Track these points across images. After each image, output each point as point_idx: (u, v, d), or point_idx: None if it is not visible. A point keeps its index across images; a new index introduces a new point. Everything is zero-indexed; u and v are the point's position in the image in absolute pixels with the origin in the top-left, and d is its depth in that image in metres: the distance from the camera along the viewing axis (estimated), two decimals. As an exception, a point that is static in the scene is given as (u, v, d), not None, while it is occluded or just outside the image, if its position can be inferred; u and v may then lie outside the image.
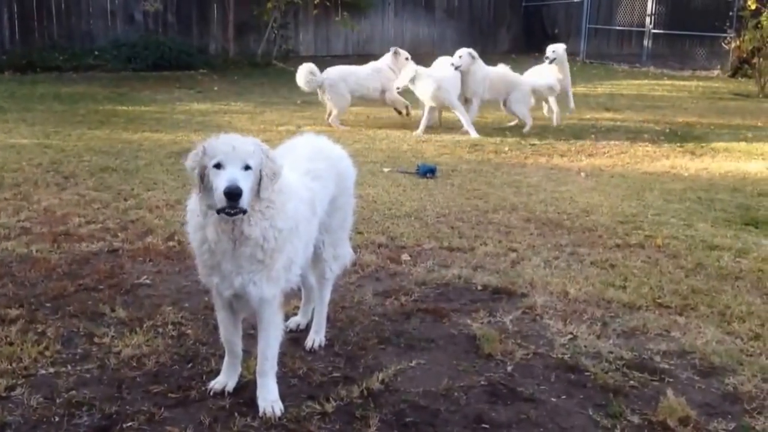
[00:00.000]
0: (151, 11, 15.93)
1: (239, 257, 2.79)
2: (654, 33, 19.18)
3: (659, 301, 4.10)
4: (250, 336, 3.36)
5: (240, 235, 2.74)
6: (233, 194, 2.58)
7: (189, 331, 3.62)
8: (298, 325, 3.75)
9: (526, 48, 21.09)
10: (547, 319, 3.86)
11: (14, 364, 3.22)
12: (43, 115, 9.62)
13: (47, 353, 3.33)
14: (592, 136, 9.41)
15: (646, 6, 19.18)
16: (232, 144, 2.69)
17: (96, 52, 15.05)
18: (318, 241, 3.40)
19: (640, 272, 4.54)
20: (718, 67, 17.64)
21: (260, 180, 2.71)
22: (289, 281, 3.05)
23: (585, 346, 3.55)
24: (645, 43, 19.26)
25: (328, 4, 17.23)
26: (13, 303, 3.81)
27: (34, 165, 6.85)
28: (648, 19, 19.14)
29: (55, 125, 8.92)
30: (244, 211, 2.65)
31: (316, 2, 16.90)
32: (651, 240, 5.16)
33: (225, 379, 3.12)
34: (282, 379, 3.16)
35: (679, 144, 9.01)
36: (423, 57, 18.79)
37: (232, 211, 2.63)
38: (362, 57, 18.17)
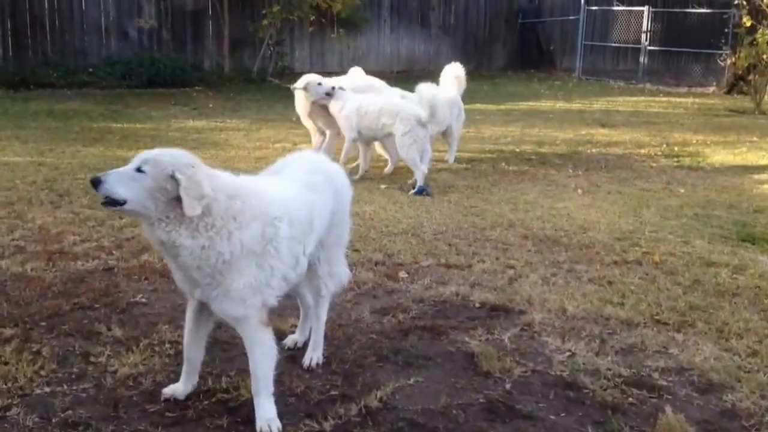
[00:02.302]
0: (146, 28, 15.99)
1: (183, 267, 2.83)
2: (650, 50, 19.33)
3: (657, 317, 4.10)
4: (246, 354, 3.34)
5: (159, 241, 2.78)
6: (92, 181, 2.72)
7: (185, 350, 3.58)
8: (296, 343, 3.73)
9: (522, 65, 21.26)
10: (545, 336, 3.85)
11: (9, 384, 3.19)
12: (36, 133, 9.59)
13: (43, 372, 3.30)
14: (589, 152, 9.45)
15: (642, 23, 19.35)
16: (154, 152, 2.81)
17: (90, 69, 15.06)
18: (314, 257, 3.38)
19: (638, 289, 4.54)
20: (714, 83, 17.78)
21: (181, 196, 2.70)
22: (265, 302, 2.98)
23: (583, 363, 3.54)
24: (641, 59, 19.41)
25: (323, 21, 17.34)
26: (7, 322, 3.78)
27: (28, 183, 6.82)
28: (644, 36, 19.30)
29: (49, 142, 8.90)
30: (120, 204, 2.71)
31: (311, 19, 16.99)
32: (648, 257, 5.17)
33: (178, 386, 3.15)
34: (279, 397, 3.14)
35: (675, 160, 9.05)
36: (419, 74, 19.03)
37: (103, 201, 2.75)
38: (358, 74, 18.32)
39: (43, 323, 3.81)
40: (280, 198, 3.04)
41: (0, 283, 4.35)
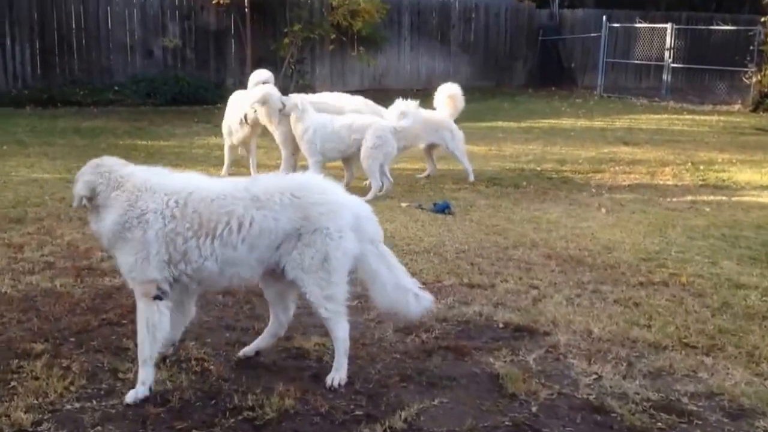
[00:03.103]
0: (170, 47, 16.25)
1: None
2: (673, 67, 19.22)
3: (685, 341, 4.04)
4: (271, 371, 3.36)
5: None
6: None
7: (212, 367, 3.61)
8: (245, 354, 3.75)
9: (543, 82, 21.26)
10: (571, 358, 3.82)
11: (40, 399, 3.23)
12: (64, 150, 9.76)
13: (72, 388, 3.34)
14: (612, 170, 9.40)
15: (665, 40, 19.27)
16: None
17: (116, 87, 15.32)
18: (293, 277, 3.43)
19: (665, 311, 4.49)
20: (739, 101, 17.60)
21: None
22: (146, 279, 3.35)
23: (610, 387, 3.50)
24: (664, 77, 19.29)
25: (344, 39, 17.49)
26: (38, 337, 3.84)
27: (56, 199, 6.93)
28: (667, 53, 19.20)
29: (77, 159, 9.00)
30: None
31: (332, 37, 17.15)
32: (675, 278, 5.11)
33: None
34: (304, 417, 3.16)
35: (700, 179, 8.97)
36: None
37: None
38: (378, 91, 18.42)
39: (73, 339, 3.86)
40: (176, 198, 3.38)
41: (30, 298, 4.42)
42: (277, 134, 7.92)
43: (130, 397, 3.28)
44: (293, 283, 3.49)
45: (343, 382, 3.49)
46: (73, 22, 15.62)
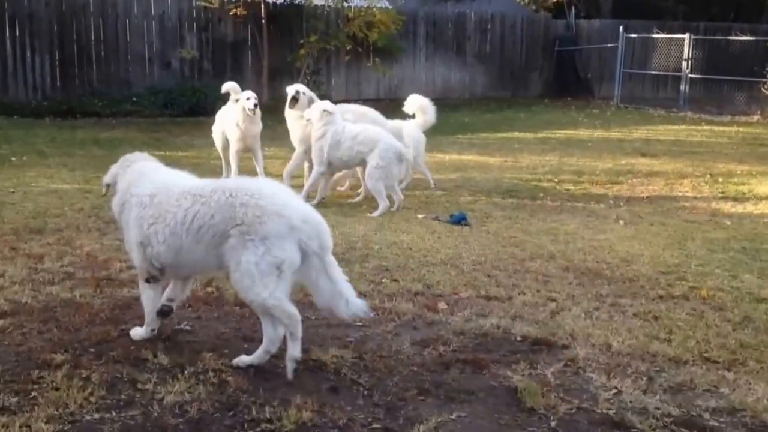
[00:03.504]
0: (188, 58, 16.40)
1: None
2: (691, 77, 19.10)
3: (706, 355, 4.00)
4: (289, 383, 3.35)
5: None
6: None
7: (230, 378, 3.61)
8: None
9: (559, 92, 21.21)
10: (590, 372, 3.78)
11: (60, 410, 3.25)
12: (83, 160, 9.87)
13: (92, 399, 3.35)
14: (630, 182, 9.34)
15: (683, 50, 19.17)
16: None
17: (134, 98, 15.47)
18: (231, 280, 3.71)
19: (686, 325, 4.44)
20: (758, 112, 17.42)
21: None
22: (137, 268, 4.00)
23: (630, 402, 3.46)
24: (682, 87, 19.16)
25: (360, 50, 17.58)
26: (58, 348, 3.86)
27: (76, 210, 7.00)
28: (685, 64, 19.09)
29: (96, 170, 9.10)
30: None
31: (348, 48, 17.25)
32: (695, 291, 5.06)
33: None
34: (322, 429, 3.17)
35: (720, 191, 8.89)
36: (455, 102, 19.13)
37: None
38: (393, 101, 18.47)
39: (92, 349, 3.88)
40: (153, 188, 3.86)
41: (50, 308, 4.45)
42: (297, 132, 8.02)
43: (137, 334, 3.99)
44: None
45: (243, 365, 3.71)
46: (92, 33, 15.82)
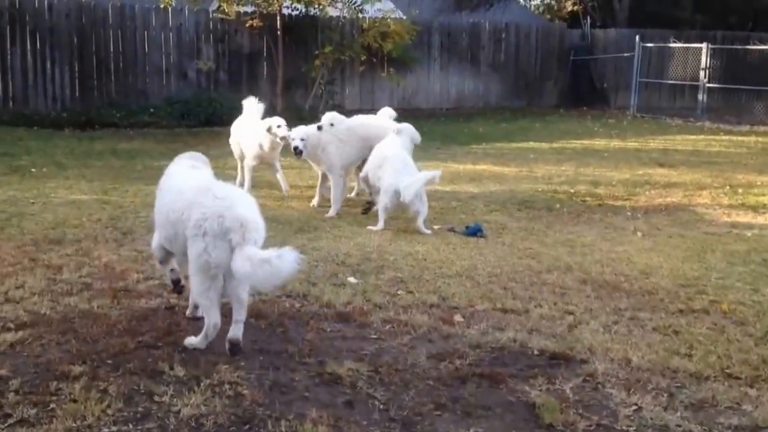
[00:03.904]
0: (204, 69, 16.53)
1: None
2: (709, 87, 18.96)
3: (728, 371, 3.94)
4: (304, 397, 3.33)
5: None
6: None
7: (245, 392, 3.61)
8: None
9: (574, 102, 21.13)
10: (609, 387, 3.74)
11: (78, 422, 3.26)
12: (101, 171, 9.95)
13: (109, 411, 3.36)
14: (647, 193, 9.26)
15: (700, 60, 19.03)
16: None
17: (151, 109, 15.60)
18: None
19: (706, 340, 4.38)
20: (778, 122, 17.28)
21: None
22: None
23: (651, 419, 3.41)
24: (699, 97, 19.02)
25: (374, 60, 17.64)
26: (76, 359, 3.87)
27: (93, 221, 7.05)
28: (702, 73, 18.96)
29: (113, 181, 9.21)
30: None
31: (362, 59, 17.30)
32: (716, 305, 4.99)
33: None
34: (339, 445, 3.14)
35: (739, 202, 8.76)
36: (469, 111, 19.11)
37: None
38: (408, 111, 18.48)
39: (110, 361, 3.89)
40: (170, 183, 4.51)
41: (69, 319, 4.47)
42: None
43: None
44: None
45: (192, 346, 4.06)
46: (111, 46, 16.00)
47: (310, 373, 3.84)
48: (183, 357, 3.98)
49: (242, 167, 8.81)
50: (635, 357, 4.08)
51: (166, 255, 4.56)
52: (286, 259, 3.68)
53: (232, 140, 8.95)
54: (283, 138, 8.04)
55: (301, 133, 7.77)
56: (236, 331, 4.04)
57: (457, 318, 4.70)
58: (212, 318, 4.04)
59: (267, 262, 3.68)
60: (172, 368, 3.81)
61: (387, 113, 8.81)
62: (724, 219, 7.88)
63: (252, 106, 8.83)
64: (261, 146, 8.28)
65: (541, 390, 3.70)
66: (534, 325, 4.59)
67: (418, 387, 3.73)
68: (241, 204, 4.02)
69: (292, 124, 8.15)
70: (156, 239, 4.56)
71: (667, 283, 5.50)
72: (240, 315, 4.07)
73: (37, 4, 15.41)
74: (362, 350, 4.15)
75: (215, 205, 3.93)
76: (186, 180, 4.42)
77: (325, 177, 8.02)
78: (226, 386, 3.65)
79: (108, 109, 15.31)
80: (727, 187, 9.60)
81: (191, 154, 4.99)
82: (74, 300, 4.80)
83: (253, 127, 8.50)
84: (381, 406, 3.50)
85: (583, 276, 5.66)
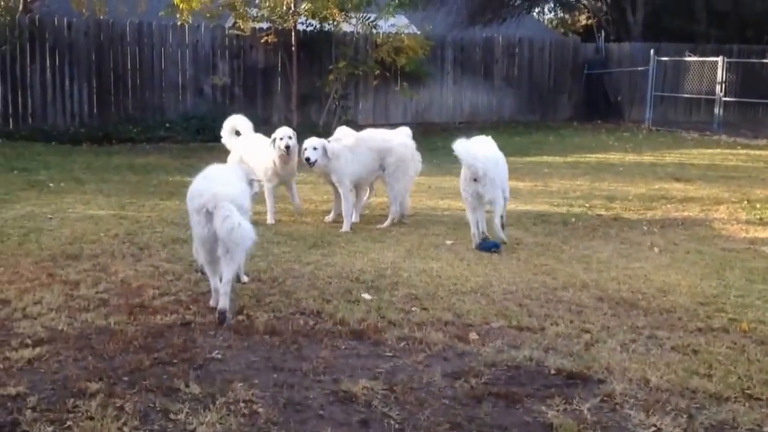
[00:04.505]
0: (220, 85, 16.67)
1: None
2: (725, 101, 18.84)
3: (749, 392, 3.87)
4: (319, 416, 3.32)
5: None
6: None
7: (260, 410, 3.60)
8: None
9: (588, 116, 21.08)
10: (628, 408, 3.69)
11: (94, 441, 3.27)
12: (118, 186, 10.03)
13: (126, 429, 3.37)
14: (664, 208, 9.19)
15: (716, 73, 18.94)
16: None
17: (167, 125, 15.74)
18: None
19: (726, 359, 4.32)
20: (796, 136, 17.11)
21: None
22: None
23: (670, 440, 3.37)
24: (716, 110, 18.89)
25: (388, 75, 17.70)
26: (92, 376, 3.89)
27: (111, 236, 7.10)
28: (718, 87, 18.84)
29: (130, 196, 9.29)
30: None
31: (376, 73, 17.38)
32: (736, 324, 4.92)
33: None
34: (354, 465, 3.12)
35: (757, 217, 8.64)
36: (482, 125, 19.09)
37: None
38: (421, 125, 18.51)
39: (126, 378, 3.90)
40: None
41: (86, 336, 4.50)
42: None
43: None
44: None
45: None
46: (129, 62, 16.16)
47: (325, 391, 3.83)
48: (198, 374, 3.99)
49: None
50: (654, 377, 4.03)
51: None
52: (244, 227, 4.73)
53: (231, 159, 8.23)
54: (288, 148, 7.83)
55: (314, 142, 7.78)
56: (223, 303, 4.81)
57: (473, 335, 4.67)
58: (212, 282, 5.07)
59: (228, 218, 4.66)
60: (187, 386, 3.82)
61: (404, 132, 8.81)
62: (742, 235, 7.79)
63: (243, 123, 8.51)
64: (274, 162, 7.99)
65: (558, 410, 3.66)
66: (550, 343, 4.56)
67: (434, 406, 3.71)
68: (220, 183, 5.14)
69: (306, 138, 8.14)
70: None
71: (686, 301, 5.44)
72: (225, 288, 4.82)
73: (56, 22, 15.64)
74: (377, 368, 4.14)
75: (198, 186, 5.11)
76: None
77: (338, 192, 8.01)
78: (241, 404, 3.65)
79: (125, 125, 15.45)
80: (745, 202, 9.50)
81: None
82: (91, 316, 4.83)
83: (261, 145, 8.16)
84: (396, 426, 3.48)
85: (599, 293, 5.62)
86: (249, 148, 8.25)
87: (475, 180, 6.81)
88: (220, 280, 4.87)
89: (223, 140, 8.67)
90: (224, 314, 4.75)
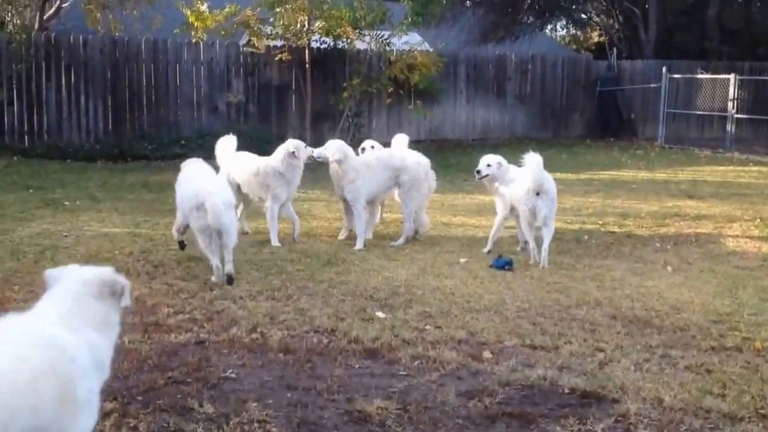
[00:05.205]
0: (234, 102, 16.83)
1: None
2: (737, 117, 18.79)
3: (762, 411, 3.85)
4: None
5: None
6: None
7: (274, 430, 3.63)
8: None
9: (601, 133, 21.06)
10: (642, 428, 3.68)
11: (109, 461, 3.29)
12: (133, 204, 10.12)
13: (139, 450, 3.39)
14: (677, 225, 9.15)
15: (728, 91, 18.90)
16: None
17: (182, 141, 15.84)
18: None
19: (740, 379, 4.29)
20: (808, 153, 17.00)
21: None
22: None
23: (685, 461, 3.35)
24: (728, 127, 18.83)
25: (401, 92, 17.80)
26: (107, 396, 3.90)
27: (125, 254, 7.17)
28: (730, 104, 18.80)
29: (145, 214, 9.36)
30: None
31: (389, 91, 17.48)
32: (749, 343, 4.89)
33: None
34: (367, 485, 3.12)
35: (771, 235, 8.62)
36: (495, 142, 19.12)
37: None
38: (435, 142, 18.57)
39: (140, 397, 3.93)
40: None
41: (101, 355, 4.52)
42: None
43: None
44: None
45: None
46: (144, 79, 16.35)
47: (339, 410, 3.85)
48: (212, 394, 4.02)
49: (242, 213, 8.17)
50: (667, 396, 4.01)
51: None
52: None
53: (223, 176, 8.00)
54: (310, 158, 7.97)
55: (338, 144, 7.98)
56: (229, 268, 6.15)
57: (486, 354, 4.67)
58: (213, 262, 6.21)
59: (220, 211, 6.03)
60: (201, 405, 3.84)
61: (402, 140, 8.90)
62: (755, 253, 7.73)
63: (230, 142, 8.40)
64: (282, 173, 7.86)
65: (572, 430, 3.65)
66: (564, 362, 4.55)
67: (448, 426, 3.71)
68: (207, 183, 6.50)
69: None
70: None
71: (699, 320, 5.41)
72: (229, 256, 6.18)
73: (72, 40, 15.86)
74: (391, 387, 4.15)
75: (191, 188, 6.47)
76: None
77: (350, 209, 8.03)
78: (255, 425, 3.67)
79: (140, 142, 15.59)
80: (758, 220, 9.44)
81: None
82: (106, 334, 4.86)
83: (266, 161, 8.04)
84: (409, 446, 3.49)
85: (613, 311, 5.60)
86: (236, 166, 8.26)
87: (538, 194, 6.97)
88: (221, 261, 6.16)
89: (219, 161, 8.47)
90: (231, 275, 6.13)
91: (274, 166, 7.95)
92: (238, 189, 8.12)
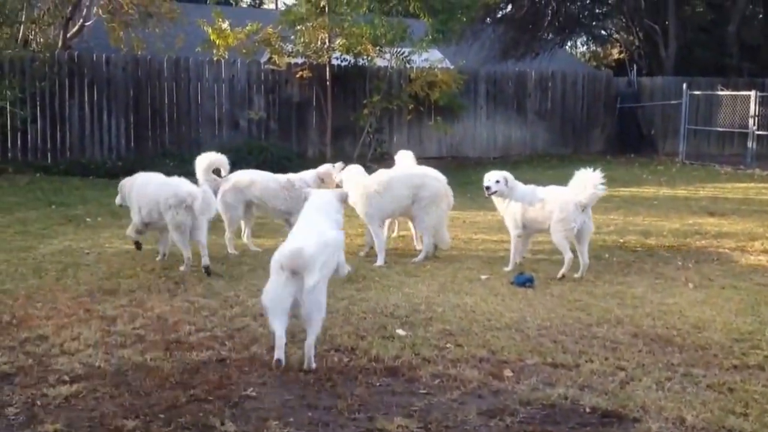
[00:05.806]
0: (255, 119, 17.00)
1: None
2: (758, 134, 18.63)
3: (787, 433, 3.80)
4: None
5: None
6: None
7: (295, 449, 3.63)
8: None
9: (622, 149, 20.96)
10: (664, 449, 3.64)
11: (130, 479, 3.31)
12: (154, 220, 10.19)
13: (161, 467, 3.41)
14: (698, 243, 9.06)
15: (749, 107, 18.74)
16: None
17: (203, 158, 16.01)
18: None
19: (762, 398, 4.24)
20: (830, 169, 16.76)
21: None
22: None
23: (709, 483, 3.31)
24: (749, 144, 18.67)
25: (421, 108, 17.88)
26: (129, 413, 3.95)
27: (147, 271, 7.25)
28: (751, 121, 18.65)
29: (166, 230, 9.42)
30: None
31: (410, 107, 17.56)
32: (772, 362, 4.83)
33: None
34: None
35: (793, 253, 8.49)
36: (516, 158, 19.09)
37: None
38: (456, 159, 18.59)
39: (162, 415, 3.95)
40: None
41: (122, 372, 4.57)
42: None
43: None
44: None
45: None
46: (166, 97, 16.60)
47: (360, 429, 3.85)
48: (234, 412, 4.03)
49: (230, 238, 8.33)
50: (689, 416, 3.97)
51: None
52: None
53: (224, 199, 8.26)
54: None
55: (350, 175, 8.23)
56: (206, 260, 7.01)
57: (507, 372, 4.66)
58: (186, 254, 7.12)
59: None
60: (222, 423, 3.86)
61: (408, 156, 8.95)
62: (778, 271, 7.63)
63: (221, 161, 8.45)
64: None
65: (593, 451, 3.62)
66: (585, 380, 4.52)
67: (468, 445, 3.70)
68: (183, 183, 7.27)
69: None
70: None
71: (721, 338, 5.35)
72: (204, 251, 7.05)
73: (95, 58, 16.17)
74: (412, 406, 4.14)
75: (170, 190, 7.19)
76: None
77: None
78: (276, 443, 3.68)
79: (161, 158, 15.75)
80: (782, 237, 9.33)
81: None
82: (128, 352, 4.90)
83: (276, 178, 8.62)
84: (429, 465, 3.48)
85: (634, 329, 5.56)
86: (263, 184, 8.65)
87: (583, 210, 7.18)
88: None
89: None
90: (208, 267, 6.97)
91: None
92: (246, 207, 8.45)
